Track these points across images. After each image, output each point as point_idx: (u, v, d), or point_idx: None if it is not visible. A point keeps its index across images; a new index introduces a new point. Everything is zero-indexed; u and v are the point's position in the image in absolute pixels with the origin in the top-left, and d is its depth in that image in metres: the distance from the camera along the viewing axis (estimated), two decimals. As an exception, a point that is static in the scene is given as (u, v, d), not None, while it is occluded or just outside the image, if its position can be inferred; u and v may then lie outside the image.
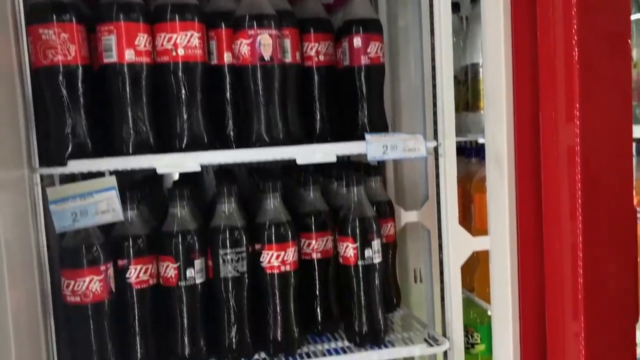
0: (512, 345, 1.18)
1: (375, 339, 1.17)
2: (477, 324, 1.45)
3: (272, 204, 1.13)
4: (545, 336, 1.12)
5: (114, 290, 1.05)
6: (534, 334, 1.16)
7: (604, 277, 1.01)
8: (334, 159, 1.08)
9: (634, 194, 1.05)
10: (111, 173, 1.02)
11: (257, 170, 1.39)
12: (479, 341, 1.45)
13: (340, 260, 1.19)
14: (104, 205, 1.00)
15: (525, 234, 1.12)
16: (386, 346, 1.16)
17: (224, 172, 1.43)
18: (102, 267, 1.02)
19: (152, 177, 1.35)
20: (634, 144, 1.03)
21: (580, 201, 0.99)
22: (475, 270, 1.40)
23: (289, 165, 1.48)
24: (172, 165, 1.02)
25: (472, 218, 1.41)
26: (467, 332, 1.45)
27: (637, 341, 1.06)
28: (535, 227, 1.10)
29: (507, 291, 1.16)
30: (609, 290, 1.01)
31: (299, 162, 1.07)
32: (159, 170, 1.03)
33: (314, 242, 1.20)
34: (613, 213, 1.01)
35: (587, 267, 0.99)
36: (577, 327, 1.03)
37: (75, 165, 0.99)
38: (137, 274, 1.07)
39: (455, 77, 1.24)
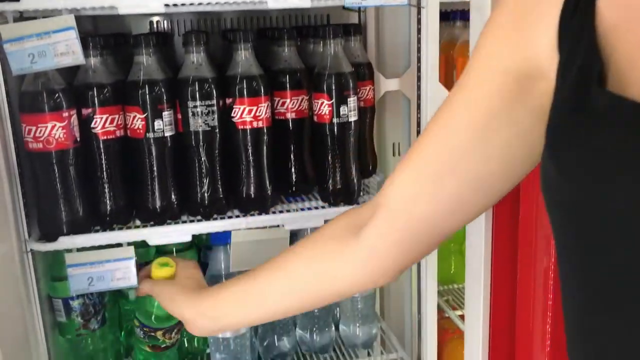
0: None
1: (349, 198, 1.17)
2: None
3: (244, 56, 1.08)
4: (519, 200, 1.12)
5: (79, 139, 1.01)
6: (508, 198, 1.15)
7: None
8: (308, 4, 1.01)
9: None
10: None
11: (231, 31, 1.32)
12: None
13: (315, 118, 1.16)
14: (63, 47, 0.94)
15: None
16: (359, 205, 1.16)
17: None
18: (65, 114, 0.98)
19: (118, 34, 1.28)
20: None
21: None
22: (454, 137, 1.38)
23: (265, 27, 1.41)
24: (135, 4, 0.96)
25: (454, 76, 1.38)
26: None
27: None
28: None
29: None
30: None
31: (271, 5, 1.00)
32: (121, 11, 0.96)
33: (288, 101, 1.16)
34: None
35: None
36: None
37: (28, 2, 0.92)
38: (102, 124, 1.03)
39: None
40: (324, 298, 0.75)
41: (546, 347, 1.07)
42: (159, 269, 0.95)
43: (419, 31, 1.14)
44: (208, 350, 1.23)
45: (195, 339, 1.28)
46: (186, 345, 1.28)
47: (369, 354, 1.35)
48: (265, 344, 1.27)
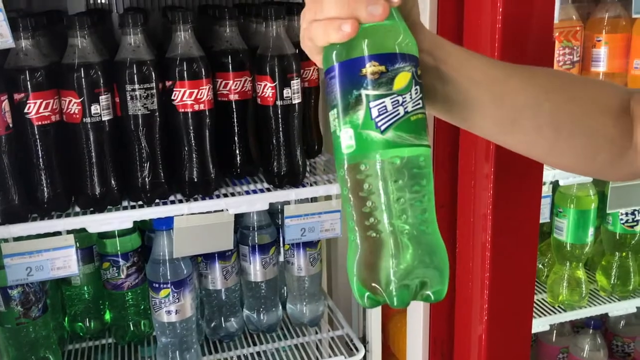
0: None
1: (294, 180, 1.17)
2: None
3: (183, 37, 1.05)
4: (457, 178, 1.14)
5: (11, 125, 0.98)
6: (447, 176, 1.18)
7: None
8: (248, -14, 1.00)
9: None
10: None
11: (170, 9, 1.29)
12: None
13: (259, 100, 1.15)
14: (-10, 30, 0.90)
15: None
16: (304, 186, 1.17)
17: (134, 10, 1.32)
18: (-5, 100, 0.94)
19: (52, 12, 1.23)
20: None
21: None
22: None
23: (207, 4, 1.38)
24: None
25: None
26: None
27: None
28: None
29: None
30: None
31: (210, -13, 0.98)
32: (52, -8, 0.92)
33: (230, 82, 1.14)
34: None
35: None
36: (487, 169, 1.05)
37: (-48, -18, 0.87)
38: (36, 109, 0.99)
39: None
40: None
41: (483, 318, 1.12)
42: None
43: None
44: (154, 334, 1.23)
45: (142, 323, 1.28)
46: (132, 328, 1.27)
47: (316, 332, 1.38)
48: (212, 325, 1.28)
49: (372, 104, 0.46)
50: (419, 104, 0.47)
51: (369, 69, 0.46)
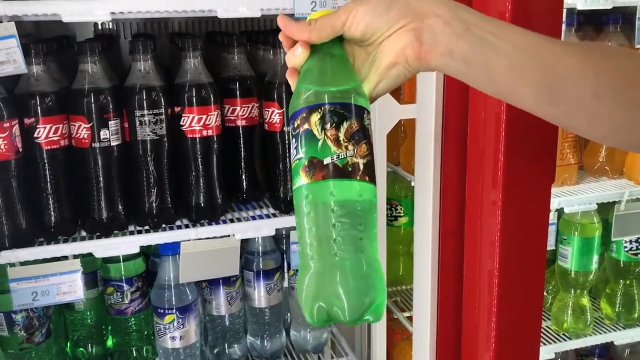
0: (432, 214, 1.20)
1: (299, 206, 1.17)
2: (401, 198, 1.48)
3: (193, 64, 1.06)
4: (464, 205, 1.15)
5: (21, 150, 0.98)
6: (454, 203, 1.18)
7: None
8: (258, 14, 1.01)
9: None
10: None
11: (178, 35, 1.31)
12: (402, 214, 1.48)
13: (266, 126, 1.16)
14: (4, 56, 0.91)
15: (452, 100, 1.11)
16: None
17: (142, 36, 1.34)
18: (6, 124, 0.94)
19: (62, 37, 1.25)
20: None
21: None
22: (402, 143, 1.41)
23: (214, 31, 1.40)
24: (80, 13, 0.93)
25: (401, 92, 1.40)
26: (391, 205, 1.48)
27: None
28: (461, 94, 1.09)
29: (430, 160, 1.17)
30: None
31: (221, 15, 0.99)
32: (65, 19, 0.93)
33: (238, 108, 1.15)
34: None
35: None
36: (494, 196, 1.06)
37: (-33, 8, 0.89)
38: (46, 133, 1.00)
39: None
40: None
41: (491, 346, 1.11)
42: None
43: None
44: (157, 360, 1.22)
45: (144, 349, 1.26)
46: (134, 354, 1.26)
47: (319, 359, 1.36)
48: (215, 351, 1.27)
49: None
50: (293, 154, 0.53)
51: None
